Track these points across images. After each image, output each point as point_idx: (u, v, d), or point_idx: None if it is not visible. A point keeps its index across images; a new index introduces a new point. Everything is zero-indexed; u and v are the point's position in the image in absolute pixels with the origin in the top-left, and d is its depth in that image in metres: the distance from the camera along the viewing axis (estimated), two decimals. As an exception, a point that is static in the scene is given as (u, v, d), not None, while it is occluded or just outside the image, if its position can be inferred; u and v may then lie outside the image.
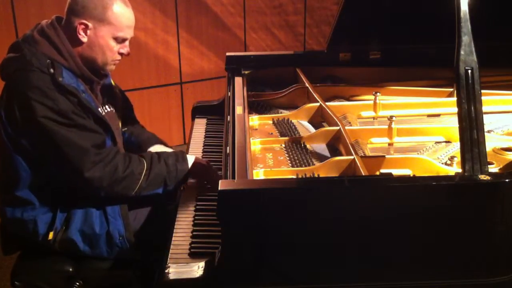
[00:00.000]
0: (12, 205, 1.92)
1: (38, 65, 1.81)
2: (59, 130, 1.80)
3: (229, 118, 2.16)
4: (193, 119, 2.84)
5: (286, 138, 2.05)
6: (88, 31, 1.89)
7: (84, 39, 1.89)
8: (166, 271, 1.54)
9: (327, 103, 2.27)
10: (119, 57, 1.98)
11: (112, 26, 1.90)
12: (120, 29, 1.91)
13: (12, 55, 1.88)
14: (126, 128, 2.31)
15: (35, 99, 1.78)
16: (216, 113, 2.79)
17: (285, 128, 2.18)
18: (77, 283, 1.96)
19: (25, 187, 1.89)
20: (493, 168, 1.81)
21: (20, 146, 1.85)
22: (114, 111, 2.13)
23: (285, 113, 2.33)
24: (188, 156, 2.06)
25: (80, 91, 1.87)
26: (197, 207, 1.93)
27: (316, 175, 1.76)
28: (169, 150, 2.24)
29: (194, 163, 2.03)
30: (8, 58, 1.89)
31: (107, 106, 2.09)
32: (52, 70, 1.82)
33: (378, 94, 2.28)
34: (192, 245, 1.69)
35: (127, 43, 1.97)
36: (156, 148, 2.26)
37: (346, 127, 2.02)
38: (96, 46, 1.91)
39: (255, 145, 2.01)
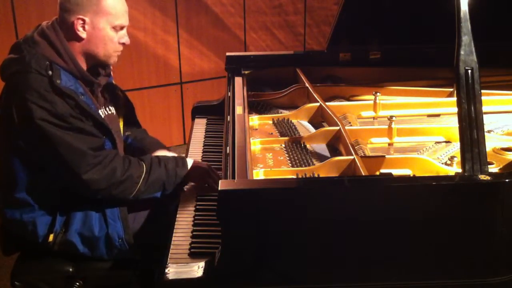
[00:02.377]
0: (11, 206, 1.92)
1: (36, 67, 1.81)
2: (56, 132, 1.79)
3: (229, 118, 2.16)
4: (193, 119, 2.84)
5: (286, 138, 2.05)
6: (86, 26, 1.88)
7: (83, 34, 1.89)
8: (166, 271, 1.54)
9: (327, 103, 2.27)
10: (120, 48, 1.97)
11: (109, 16, 1.89)
12: (117, 17, 1.91)
13: (12, 56, 1.88)
14: (129, 132, 2.30)
15: (33, 101, 1.77)
16: (216, 113, 2.79)
17: (285, 128, 2.18)
18: (77, 283, 1.96)
19: (23, 189, 1.89)
20: (493, 168, 1.81)
21: (18, 148, 1.84)
22: (115, 113, 2.13)
23: (285, 113, 2.33)
24: (187, 159, 2.06)
25: (79, 93, 1.86)
26: (197, 207, 1.93)
27: (316, 175, 1.76)
28: (171, 155, 2.23)
29: (193, 167, 2.03)
30: (8, 59, 1.89)
31: (108, 108, 2.08)
32: (50, 72, 1.81)
33: (378, 94, 2.28)
34: (192, 245, 1.69)
35: (125, 31, 1.97)
36: (159, 154, 2.24)
37: (346, 127, 2.02)
38: (96, 39, 1.90)
39: (255, 145, 2.01)
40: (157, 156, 2.04)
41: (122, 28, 1.95)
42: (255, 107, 2.43)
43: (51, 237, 1.91)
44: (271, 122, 2.27)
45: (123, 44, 1.97)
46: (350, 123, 2.22)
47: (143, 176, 1.92)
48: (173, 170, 1.98)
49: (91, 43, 1.91)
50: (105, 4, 1.88)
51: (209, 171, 2.06)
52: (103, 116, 1.98)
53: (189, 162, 2.05)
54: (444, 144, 2.03)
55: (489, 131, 2.09)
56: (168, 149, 2.34)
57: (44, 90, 1.79)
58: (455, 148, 1.96)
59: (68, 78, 1.86)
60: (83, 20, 1.87)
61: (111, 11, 1.90)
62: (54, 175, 1.88)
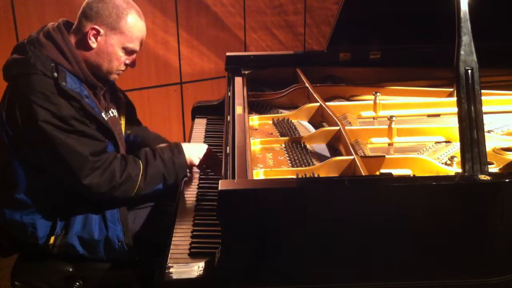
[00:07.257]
0: (11, 207, 1.92)
1: (42, 68, 1.80)
2: (58, 135, 1.79)
3: (229, 118, 2.16)
4: (193, 119, 2.84)
5: (286, 138, 2.05)
6: (99, 38, 1.88)
7: (94, 44, 1.89)
8: (166, 271, 1.54)
9: (327, 103, 2.27)
10: (123, 68, 1.97)
11: (123, 36, 1.89)
12: (131, 40, 1.91)
13: (17, 57, 1.87)
14: (130, 130, 2.30)
15: (37, 104, 1.77)
16: (216, 113, 2.79)
17: (285, 128, 2.18)
18: (77, 283, 1.96)
19: (24, 190, 1.89)
20: (493, 168, 1.81)
21: (20, 148, 1.84)
22: (117, 115, 2.13)
23: (285, 113, 2.33)
24: (202, 145, 2.08)
25: (83, 96, 1.86)
26: (197, 207, 1.93)
27: (316, 175, 1.76)
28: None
29: (190, 148, 2.05)
30: (12, 59, 1.88)
31: (110, 111, 2.08)
32: (55, 74, 1.80)
33: (378, 94, 2.28)
34: (192, 245, 1.69)
35: (134, 55, 1.97)
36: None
37: (346, 127, 2.02)
38: (104, 53, 1.90)
39: (255, 145, 2.01)
40: (151, 148, 2.01)
41: (132, 52, 1.95)
42: (255, 107, 2.43)
43: (51, 240, 1.91)
44: (271, 122, 2.27)
45: (127, 65, 1.97)
46: (350, 123, 2.22)
47: (141, 173, 1.91)
48: (170, 159, 1.96)
49: (98, 56, 1.91)
50: (124, 23, 1.88)
51: (208, 152, 2.06)
52: (106, 119, 1.97)
53: (203, 147, 2.05)
54: (444, 144, 2.03)
55: (489, 131, 2.09)
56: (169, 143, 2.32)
57: (49, 92, 1.78)
58: (455, 148, 1.96)
59: (73, 80, 1.86)
60: (98, 31, 1.87)
61: (127, 32, 1.90)
62: (55, 177, 1.88)
